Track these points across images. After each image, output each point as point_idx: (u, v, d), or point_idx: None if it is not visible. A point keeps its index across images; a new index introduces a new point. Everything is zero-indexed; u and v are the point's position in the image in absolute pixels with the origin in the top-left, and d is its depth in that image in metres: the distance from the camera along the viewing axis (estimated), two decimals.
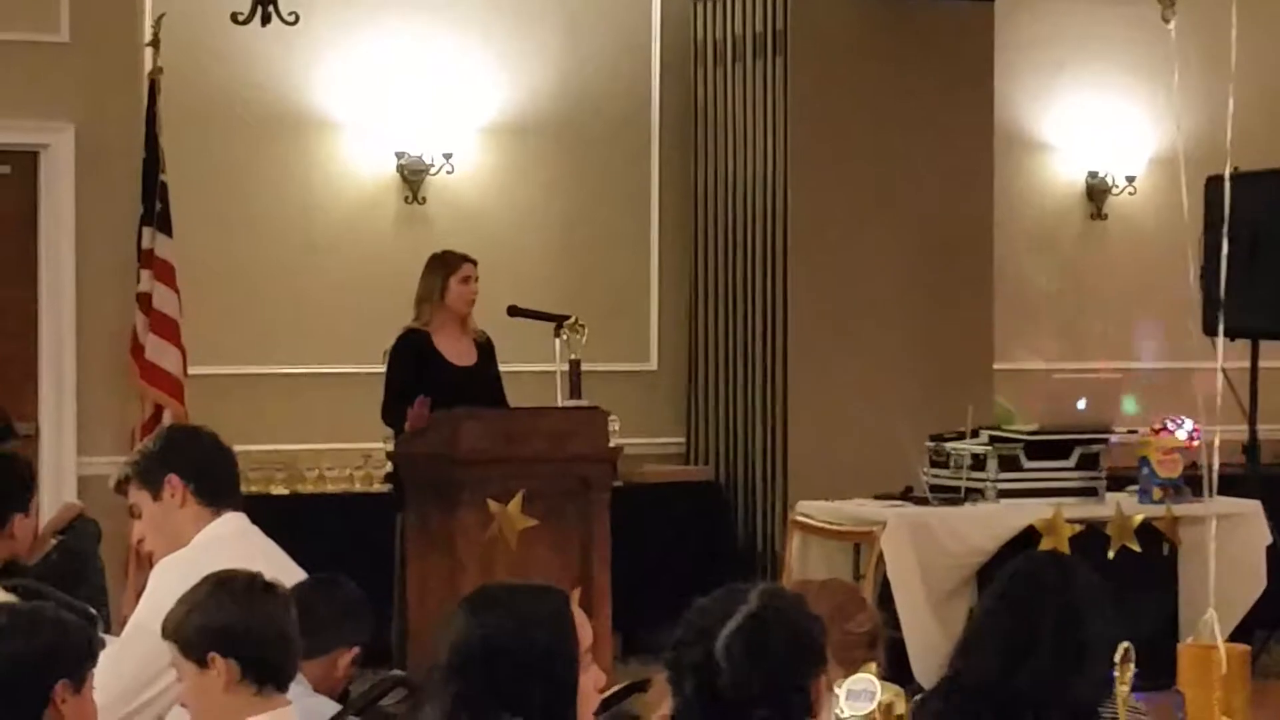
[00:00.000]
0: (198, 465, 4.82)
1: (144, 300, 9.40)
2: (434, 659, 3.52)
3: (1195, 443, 9.54)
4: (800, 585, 5.50)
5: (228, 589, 3.99)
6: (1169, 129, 11.64)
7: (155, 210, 9.41)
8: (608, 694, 4.51)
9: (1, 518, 5.48)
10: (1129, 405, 10.57)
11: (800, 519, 8.91)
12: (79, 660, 3.65)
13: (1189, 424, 10.57)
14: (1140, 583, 8.51)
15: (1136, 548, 8.73)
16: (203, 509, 4.80)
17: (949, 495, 8.84)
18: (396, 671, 5.94)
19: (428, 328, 8.52)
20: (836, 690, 3.69)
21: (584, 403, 8.25)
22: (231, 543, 4.70)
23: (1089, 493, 9.00)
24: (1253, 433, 10.01)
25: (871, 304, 10.42)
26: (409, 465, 8.27)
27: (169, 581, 4.45)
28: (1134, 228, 11.84)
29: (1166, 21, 5.22)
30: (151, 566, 4.77)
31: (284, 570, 4.76)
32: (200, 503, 4.79)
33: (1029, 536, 8.54)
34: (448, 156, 10.38)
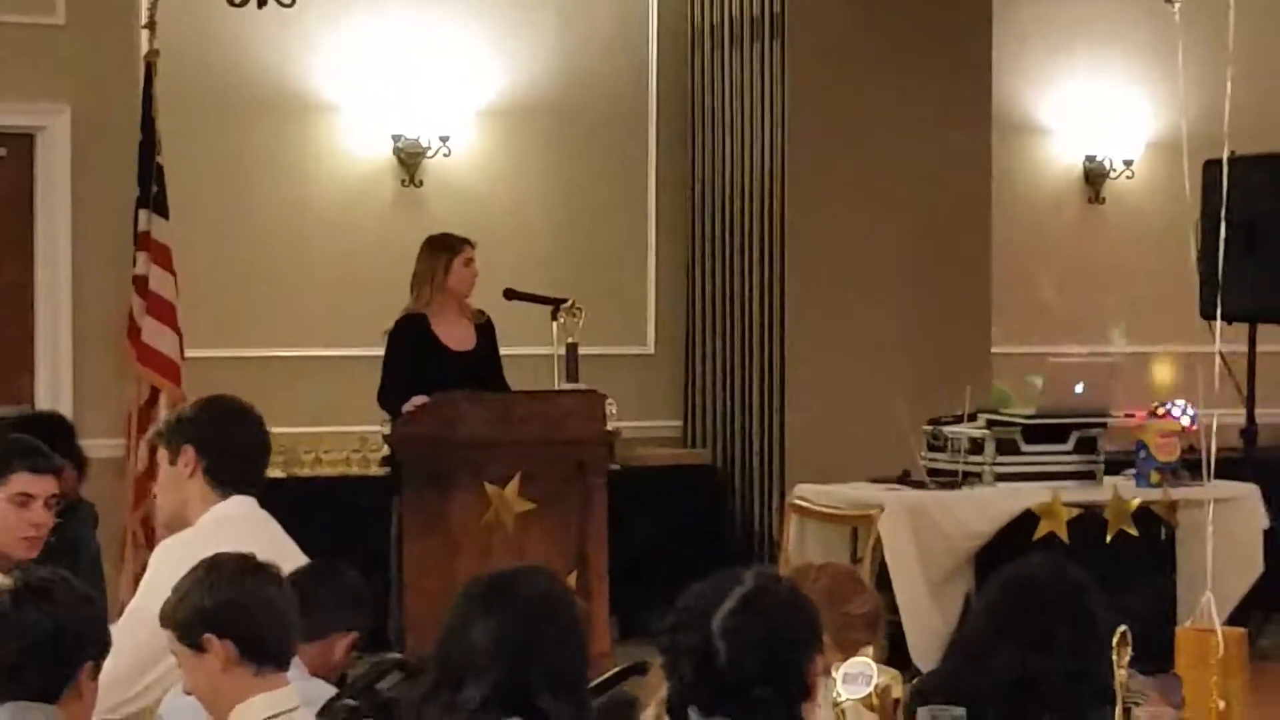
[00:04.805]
0: (217, 445, 4.84)
1: (140, 283, 9.38)
2: (448, 644, 3.56)
3: (1194, 426, 9.52)
4: (799, 569, 5.50)
5: (219, 570, 3.98)
6: (1167, 113, 11.63)
7: (151, 193, 9.39)
8: (606, 676, 4.51)
9: None
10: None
11: (798, 502, 8.90)
12: (104, 646, 3.65)
13: (1182, 406, 10.57)
14: (1138, 566, 8.50)
15: (1134, 531, 8.71)
16: (210, 488, 4.82)
17: (946, 479, 8.83)
18: (393, 654, 5.92)
19: (426, 310, 8.48)
20: (833, 674, 3.68)
21: (581, 386, 8.24)
22: (233, 526, 4.69)
23: (1086, 476, 8.99)
24: (1250, 416, 10.01)
25: (869, 287, 10.40)
26: (406, 448, 8.25)
27: (167, 565, 4.46)
28: (1132, 212, 11.84)
29: (1170, 3, 5.20)
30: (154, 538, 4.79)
31: (286, 555, 4.75)
32: (209, 481, 4.82)
33: (1026, 520, 8.54)
34: (444, 139, 10.36)
